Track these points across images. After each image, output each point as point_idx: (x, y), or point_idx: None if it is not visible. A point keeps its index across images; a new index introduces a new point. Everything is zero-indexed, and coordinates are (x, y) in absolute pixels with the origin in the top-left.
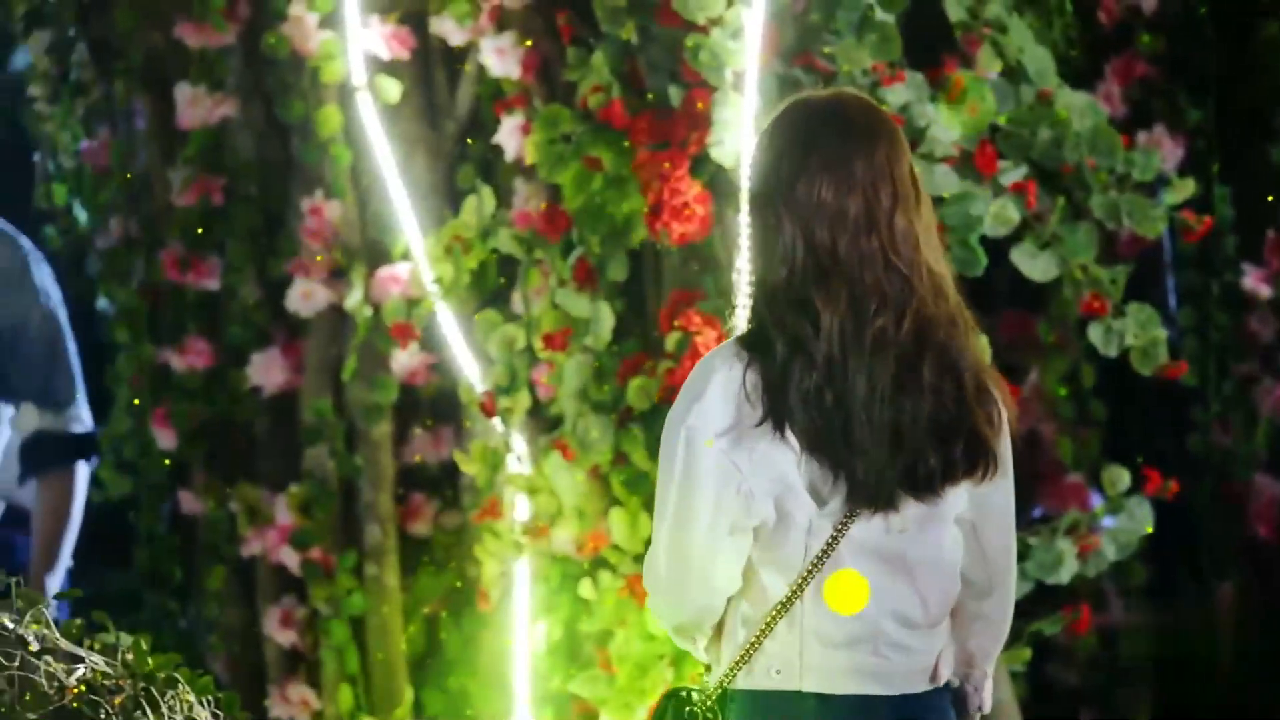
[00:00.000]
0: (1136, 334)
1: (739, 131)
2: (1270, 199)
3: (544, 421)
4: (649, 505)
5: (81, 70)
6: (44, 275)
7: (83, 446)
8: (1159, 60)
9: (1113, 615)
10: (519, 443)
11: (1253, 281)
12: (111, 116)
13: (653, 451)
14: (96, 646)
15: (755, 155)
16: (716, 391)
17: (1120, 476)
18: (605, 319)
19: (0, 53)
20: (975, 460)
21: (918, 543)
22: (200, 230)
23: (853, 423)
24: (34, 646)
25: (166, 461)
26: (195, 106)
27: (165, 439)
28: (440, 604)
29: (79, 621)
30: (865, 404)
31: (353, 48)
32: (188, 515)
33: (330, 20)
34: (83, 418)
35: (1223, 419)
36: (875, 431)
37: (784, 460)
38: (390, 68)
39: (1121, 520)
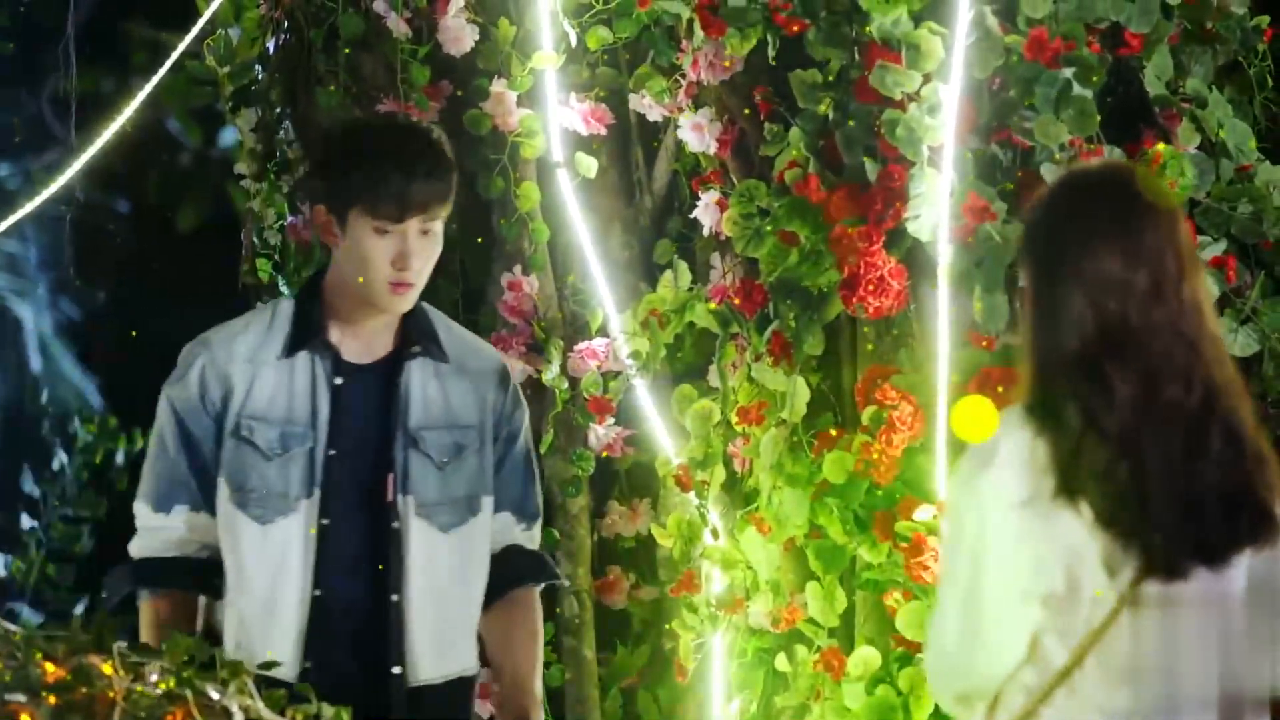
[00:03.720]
0: None
1: (935, 206)
2: None
3: (740, 495)
4: (844, 579)
5: (287, 147)
6: None
7: (547, 566)
8: None
9: None
10: (714, 516)
11: None
12: None
13: (847, 525)
14: (299, 718)
15: (1034, 228)
16: (1007, 459)
17: None
18: (801, 393)
19: (209, 131)
20: (1260, 527)
21: (1199, 614)
22: None
23: (1148, 494)
24: (238, 718)
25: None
26: None
27: None
28: (637, 677)
29: (281, 692)
30: (1160, 474)
31: (552, 124)
32: None
33: (530, 97)
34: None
35: None
36: (1169, 502)
37: (1075, 531)
38: (588, 144)
39: None
